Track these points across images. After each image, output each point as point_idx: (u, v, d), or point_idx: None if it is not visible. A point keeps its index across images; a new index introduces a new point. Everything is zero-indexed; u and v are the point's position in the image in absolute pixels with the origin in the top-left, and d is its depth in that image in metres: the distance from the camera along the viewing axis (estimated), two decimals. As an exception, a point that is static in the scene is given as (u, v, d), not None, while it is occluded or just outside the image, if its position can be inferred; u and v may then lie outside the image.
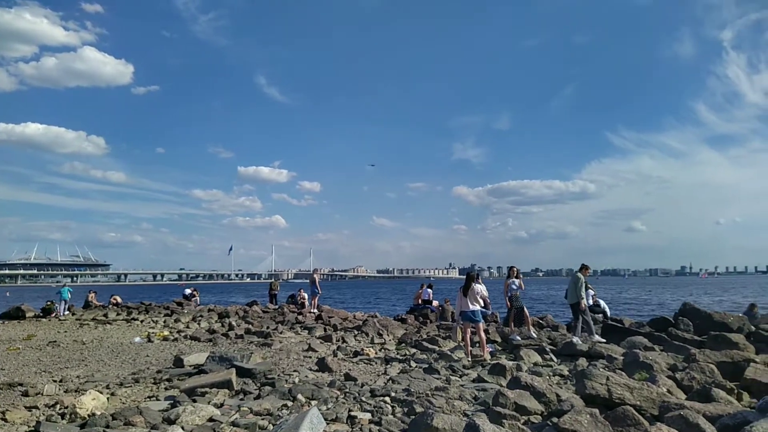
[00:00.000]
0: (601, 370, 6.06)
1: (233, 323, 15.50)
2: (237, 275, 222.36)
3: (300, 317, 16.95)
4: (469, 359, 9.47)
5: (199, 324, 16.55)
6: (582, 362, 8.78)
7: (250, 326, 14.98)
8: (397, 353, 10.46)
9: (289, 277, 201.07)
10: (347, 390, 6.70)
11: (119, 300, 23.82)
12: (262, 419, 5.34)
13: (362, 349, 10.50)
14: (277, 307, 21.62)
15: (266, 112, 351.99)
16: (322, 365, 8.52)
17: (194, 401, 6.04)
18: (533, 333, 12.07)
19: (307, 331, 13.81)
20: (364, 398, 6.17)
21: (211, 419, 5.35)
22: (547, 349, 10.05)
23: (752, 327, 10.87)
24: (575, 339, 10.32)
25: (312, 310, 18.90)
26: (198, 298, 25.49)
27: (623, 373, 6.82)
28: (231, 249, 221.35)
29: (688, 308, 12.85)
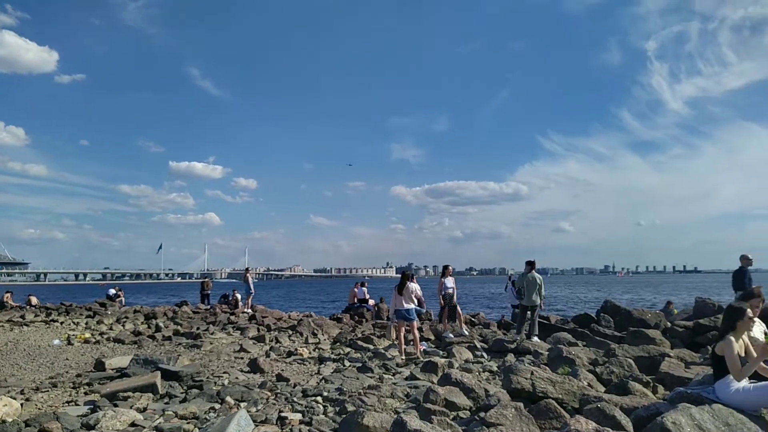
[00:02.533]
0: (527, 365, 6.29)
1: (161, 324, 14.88)
2: (167, 275, 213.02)
3: (233, 317, 16.52)
4: (403, 357, 9.56)
5: (123, 326, 15.77)
6: (510, 358, 9.09)
7: (179, 327, 14.45)
8: (332, 353, 10.40)
9: (223, 277, 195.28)
10: (279, 391, 6.59)
11: (36, 301, 22.31)
12: (188, 423, 5.15)
13: (296, 349, 10.36)
14: (208, 307, 20.99)
15: (200, 105, 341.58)
16: (254, 366, 8.35)
17: (115, 406, 5.75)
18: (465, 330, 12.36)
19: (239, 332, 13.47)
20: (295, 399, 6.09)
21: (133, 424, 5.10)
22: (478, 346, 10.32)
23: (668, 323, 11.56)
24: (535, 339, 10.61)
25: (245, 310, 18.49)
26: (123, 299, 24.50)
27: (547, 367, 7.10)
28: (161, 247, 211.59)
29: (609, 305, 13.55)
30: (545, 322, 12.89)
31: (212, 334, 13.06)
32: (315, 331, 13.15)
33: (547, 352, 8.60)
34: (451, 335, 11.61)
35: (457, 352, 9.59)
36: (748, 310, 4.51)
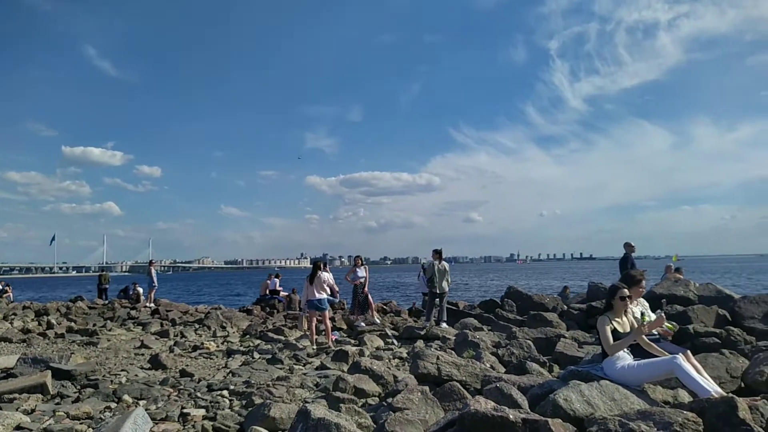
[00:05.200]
0: (433, 350, 6.48)
1: (53, 321, 13.75)
2: (61, 268, 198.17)
3: (133, 312, 15.61)
4: (314, 347, 9.53)
5: (11, 323, 14.37)
6: (420, 344, 9.32)
7: (73, 324, 13.42)
8: (241, 345, 10.14)
9: (124, 270, 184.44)
10: (182, 387, 6.33)
11: None
12: (81, 423, 4.81)
13: (202, 343, 10.00)
14: (106, 302, 19.71)
15: (97, 87, 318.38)
16: (156, 362, 7.96)
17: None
18: (377, 319, 12.52)
19: (141, 327, 12.77)
20: (199, 394, 5.87)
21: (18, 427, 4.67)
22: (389, 334, 10.51)
23: (564, 306, 12.38)
24: (444, 325, 10.84)
25: (148, 305, 17.55)
26: (11, 294, 22.65)
27: (454, 352, 7.37)
28: (53, 239, 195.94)
29: (513, 291, 14.26)
30: (454, 308, 13.35)
31: (110, 330, 12.28)
32: (224, 324, 12.76)
33: (454, 337, 8.91)
34: (363, 324, 11.73)
35: (368, 340, 9.70)
36: (623, 290, 4.88)
